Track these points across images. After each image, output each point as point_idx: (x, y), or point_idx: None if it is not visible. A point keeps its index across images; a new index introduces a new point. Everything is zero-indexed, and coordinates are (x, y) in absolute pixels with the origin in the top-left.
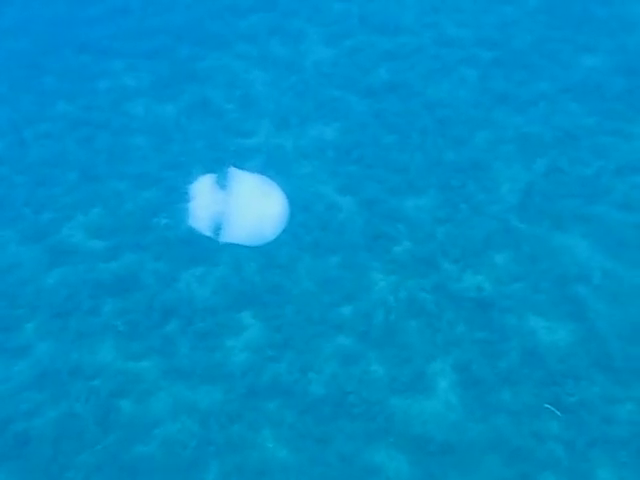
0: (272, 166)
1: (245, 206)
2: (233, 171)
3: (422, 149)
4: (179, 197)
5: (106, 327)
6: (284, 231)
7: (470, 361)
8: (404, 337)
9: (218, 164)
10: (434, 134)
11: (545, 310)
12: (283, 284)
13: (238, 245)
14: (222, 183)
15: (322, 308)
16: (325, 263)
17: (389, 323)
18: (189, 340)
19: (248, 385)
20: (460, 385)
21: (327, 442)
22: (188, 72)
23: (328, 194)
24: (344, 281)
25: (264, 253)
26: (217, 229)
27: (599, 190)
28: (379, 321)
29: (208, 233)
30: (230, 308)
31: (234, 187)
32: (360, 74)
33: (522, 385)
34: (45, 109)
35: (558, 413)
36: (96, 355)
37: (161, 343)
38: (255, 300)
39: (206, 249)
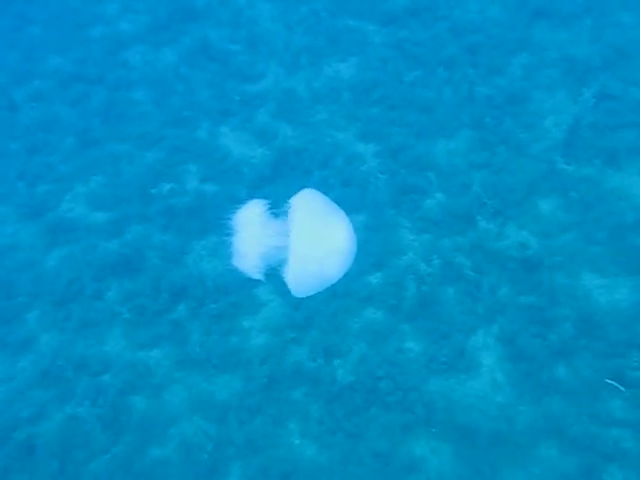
0: (283, 114)
1: (307, 242)
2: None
3: (451, 83)
4: (184, 157)
5: (112, 314)
6: (301, 190)
7: (517, 332)
8: (440, 308)
9: (226, 116)
10: (463, 65)
11: (601, 266)
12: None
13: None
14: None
15: (346, 278)
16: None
17: (423, 293)
18: (201, 324)
19: (269, 373)
20: (507, 361)
21: (359, 437)
22: (187, 10)
23: (348, 143)
24: (370, 245)
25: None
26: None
27: None
28: (412, 291)
29: (256, 276)
30: (245, 284)
31: (290, 217)
32: None
33: (579, 358)
34: (34, 65)
35: (622, 389)
36: (103, 346)
37: (171, 329)
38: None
39: (216, 216)
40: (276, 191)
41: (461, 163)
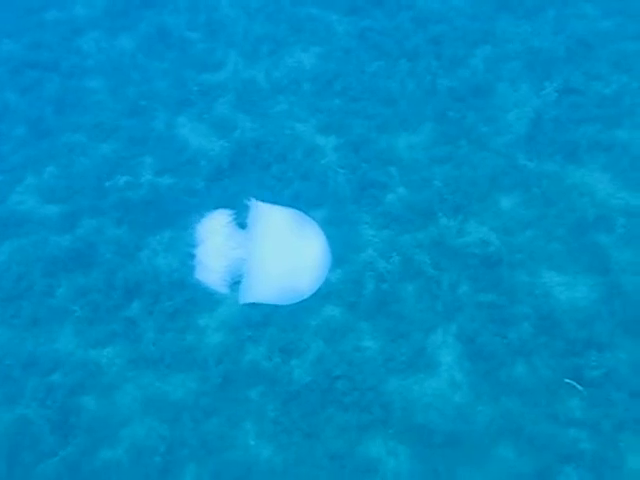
0: (243, 105)
1: (274, 253)
2: (255, 205)
3: (414, 75)
4: (139, 149)
5: (63, 311)
6: (260, 185)
7: (477, 330)
8: (400, 306)
9: (184, 106)
10: (427, 55)
11: (561, 263)
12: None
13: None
14: (241, 221)
15: None
16: None
17: (382, 290)
18: (156, 321)
19: (224, 372)
20: (466, 359)
21: (316, 437)
22: None
23: (308, 135)
24: (330, 241)
25: (238, 213)
26: (235, 284)
27: (621, 112)
28: (371, 288)
29: (222, 289)
30: (201, 281)
31: (257, 227)
32: None
33: (538, 357)
34: None
35: (580, 388)
36: (53, 344)
37: (125, 327)
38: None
39: (172, 210)
40: (234, 184)
41: (423, 157)
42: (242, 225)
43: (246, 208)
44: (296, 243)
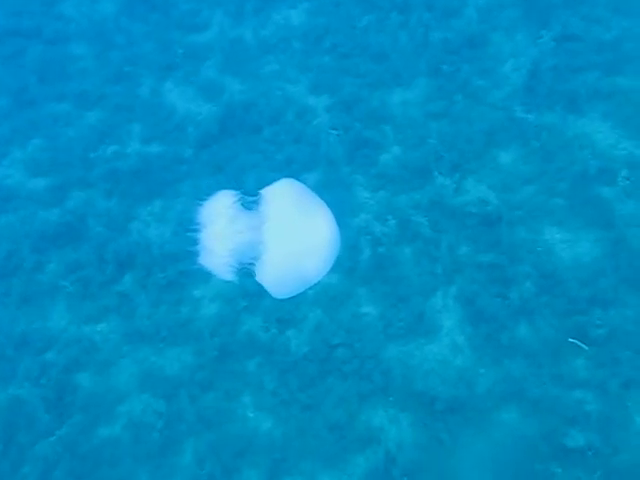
0: (231, 67)
1: (282, 237)
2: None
3: (405, 28)
4: (126, 117)
5: (55, 287)
6: (251, 150)
7: (477, 292)
8: (398, 270)
9: (170, 70)
10: (418, 7)
11: (563, 219)
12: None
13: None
14: (246, 203)
15: None
16: (300, 183)
17: (379, 254)
18: (149, 295)
19: (220, 344)
20: (467, 322)
21: (315, 408)
22: None
23: (299, 96)
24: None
25: (230, 179)
26: (244, 271)
27: (622, 58)
28: (367, 253)
29: (227, 275)
30: (194, 251)
31: (264, 209)
32: None
33: (540, 317)
34: None
35: (585, 347)
36: (46, 322)
37: (118, 301)
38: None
39: (161, 179)
40: (224, 150)
41: (417, 114)
42: (247, 206)
43: (250, 188)
44: (305, 225)
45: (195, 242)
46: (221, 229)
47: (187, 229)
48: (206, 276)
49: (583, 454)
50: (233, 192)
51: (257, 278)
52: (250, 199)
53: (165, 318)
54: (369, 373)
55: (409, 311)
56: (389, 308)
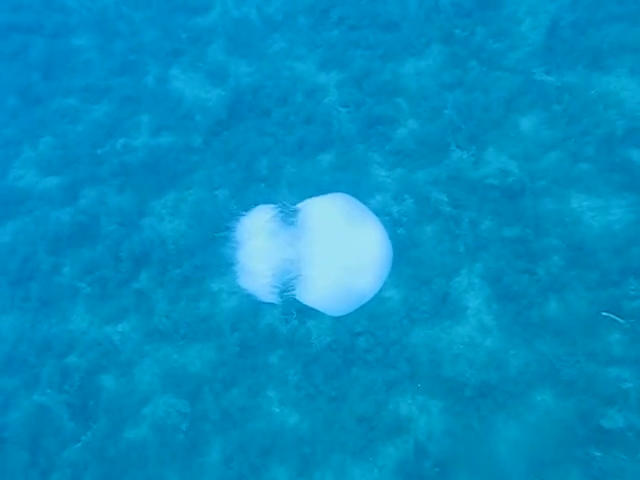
0: (237, 48)
1: (329, 252)
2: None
3: None
4: (134, 108)
5: (73, 289)
6: (262, 134)
7: (503, 269)
8: (419, 251)
9: (176, 57)
10: None
11: (591, 185)
12: (265, 202)
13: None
14: (286, 217)
15: None
16: (314, 166)
17: (399, 236)
18: (167, 291)
19: (241, 339)
20: (495, 301)
21: (341, 400)
22: None
23: (308, 74)
24: (340, 186)
25: (242, 167)
26: (287, 292)
27: None
28: (386, 235)
29: (269, 299)
30: (209, 244)
31: (306, 221)
32: None
33: (571, 292)
34: None
35: (620, 321)
36: (67, 325)
37: (136, 300)
38: (236, 228)
39: (173, 171)
40: (235, 136)
41: (431, 84)
42: (288, 220)
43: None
44: (353, 238)
45: (209, 234)
46: (260, 246)
47: (201, 221)
48: (223, 269)
49: (623, 435)
50: (272, 205)
51: (301, 298)
52: (290, 211)
53: (184, 314)
54: (394, 360)
55: (433, 293)
56: (412, 291)
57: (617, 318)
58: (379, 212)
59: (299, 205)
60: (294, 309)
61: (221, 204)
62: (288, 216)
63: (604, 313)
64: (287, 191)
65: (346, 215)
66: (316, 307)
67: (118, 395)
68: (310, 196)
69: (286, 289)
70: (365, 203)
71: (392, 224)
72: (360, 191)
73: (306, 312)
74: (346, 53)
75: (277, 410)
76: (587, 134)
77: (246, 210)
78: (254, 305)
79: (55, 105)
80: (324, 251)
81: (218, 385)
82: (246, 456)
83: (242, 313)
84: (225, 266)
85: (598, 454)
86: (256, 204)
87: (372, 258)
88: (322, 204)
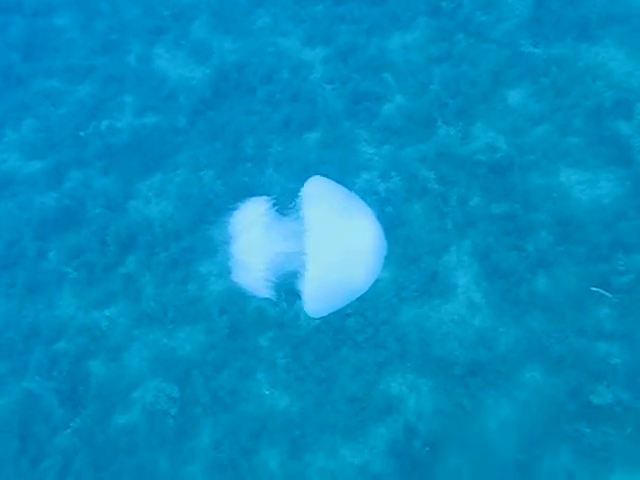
0: (221, 24)
1: (326, 244)
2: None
3: None
4: (117, 88)
5: (59, 274)
6: (247, 112)
7: (492, 246)
8: (407, 229)
9: (158, 35)
10: None
11: (580, 159)
12: (252, 182)
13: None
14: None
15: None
16: (301, 144)
17: (387, 214)
18: (154, 275)
19: (230, 322)
20: (484, 278)
21: (331, 381)
22: None
23: (294, 50)
24: (327, 165)
25: (228, 146)
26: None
27: None
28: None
29: (265, 294)
30: (197, 226)
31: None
32: None
33: (559, 268)
34: None
35: (609, 296)
36: (54, 310)
37: (123, 284)
38: (223, 209)
39: (158, 152)
40: (220, 115)
41: (418, 58)
42: (283, 212)
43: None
44: (346, 231)
45: (196, 215)
46: (255, 240)
47: (188, 203)
48: (211, 251)
49: (612, 411)
50: (266, 197)
51: (298, 292)
52: (285, 203)
53: (172, 298)
54: (384, 340)
55: (422, 272)
56: (401, 270)
57: (606, 293)
58: (367, 191)
59: (286, 194)
60: (283, 291)
61: (207, 185)
62: (283, 208)
63: (593, 288)
64: (273, 170)
65: (336, 205)
66: (307, 304)
67: (107, 380)
68: (297, 175)
69: (280, 282)
70: (352, 182)
71: (380, 203)
72: (347, 169)
73: (295, 294)
74: (331, 28)
75: (267, 393)
76: (575, 107)
77: (233, 192)
78: (243, 288)
79: (37, 86)
80: (316, 246)
81: (208, 368)
82: (236, 439)
83: (231, 296)
84: (213, 248)
85: (587, 430)
86: (242, 184)
87: (366, 253)
88: (309, 192)
